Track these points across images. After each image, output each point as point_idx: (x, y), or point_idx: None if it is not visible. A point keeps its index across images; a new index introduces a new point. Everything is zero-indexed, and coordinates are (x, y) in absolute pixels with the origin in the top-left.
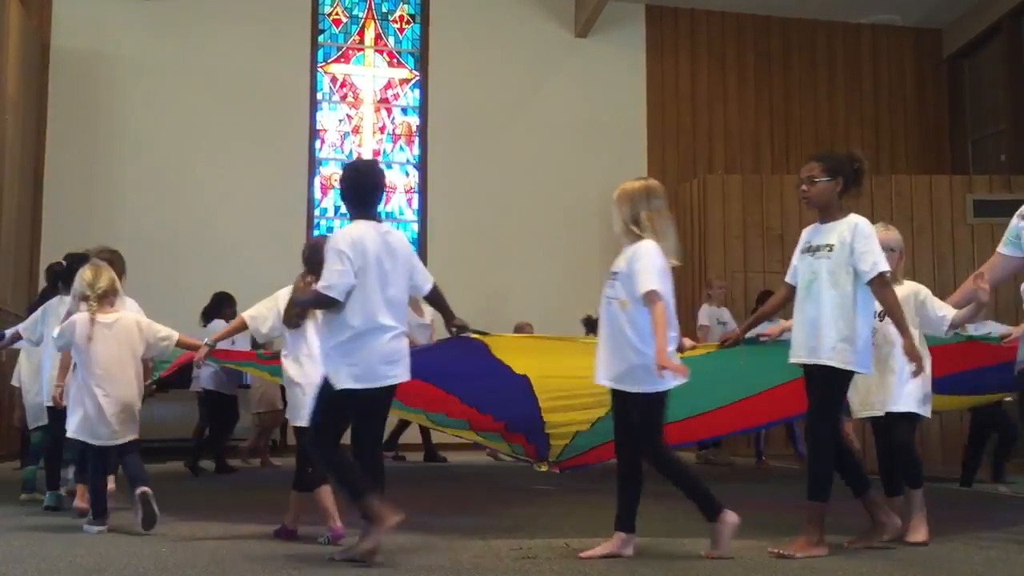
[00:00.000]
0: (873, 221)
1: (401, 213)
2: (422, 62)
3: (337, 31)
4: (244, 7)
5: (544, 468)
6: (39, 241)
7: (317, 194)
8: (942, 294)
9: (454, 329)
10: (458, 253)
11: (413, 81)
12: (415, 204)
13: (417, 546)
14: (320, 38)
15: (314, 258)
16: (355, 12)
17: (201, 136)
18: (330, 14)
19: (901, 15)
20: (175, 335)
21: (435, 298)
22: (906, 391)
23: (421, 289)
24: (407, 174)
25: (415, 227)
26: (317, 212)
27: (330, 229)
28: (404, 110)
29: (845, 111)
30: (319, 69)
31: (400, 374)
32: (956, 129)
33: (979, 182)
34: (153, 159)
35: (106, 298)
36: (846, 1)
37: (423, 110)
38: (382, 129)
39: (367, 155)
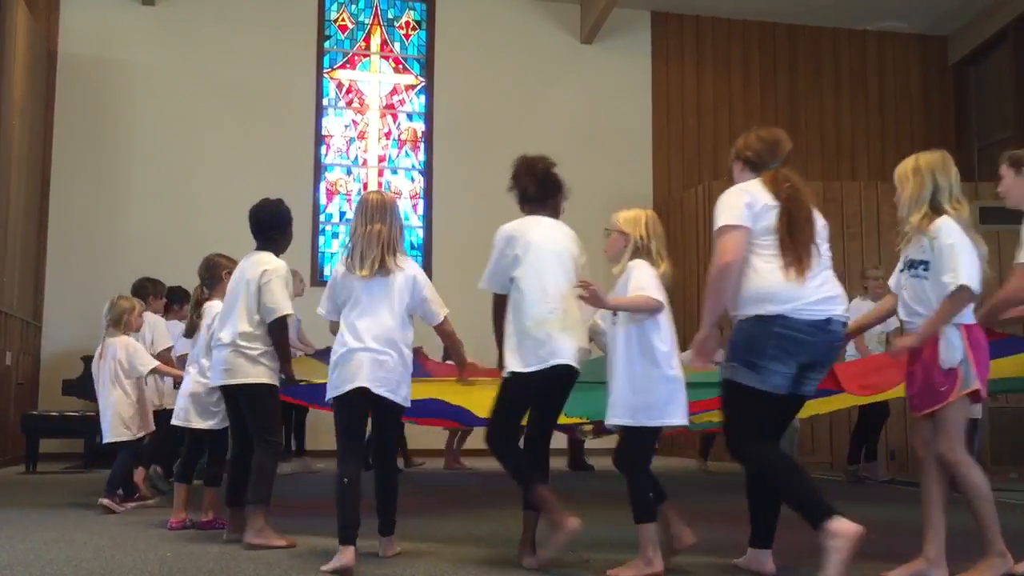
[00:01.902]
0: (880, 228)
1: (406, 218)
2: (428, 68)
3: (343, 37)
4: (250, 13)
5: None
6: (45, 246)
7: (322, 199)
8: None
9: None
10: (463, 258)
11: (419, 87)
12: (420, 210)
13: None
14: (326, 44)
15: (205, 274)
16: (361, 18)
17: (207, 141)
18: (336, 20)
19: (907, 22)
20: (149, 366)
21: None
22: None
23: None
24: (412, 180)
25: (420, 232)
26: (322, 217)
27: (335, 235)
28: (410, 116)
29: (851, 118)
30: (325, 75)
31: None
32: (962, 136)
33: (985, 189)
34: (159, 164)
35: (115, 324)
36: (852, 8)
37: (429, 116)
38: (387, 135)
39: (372, 160)
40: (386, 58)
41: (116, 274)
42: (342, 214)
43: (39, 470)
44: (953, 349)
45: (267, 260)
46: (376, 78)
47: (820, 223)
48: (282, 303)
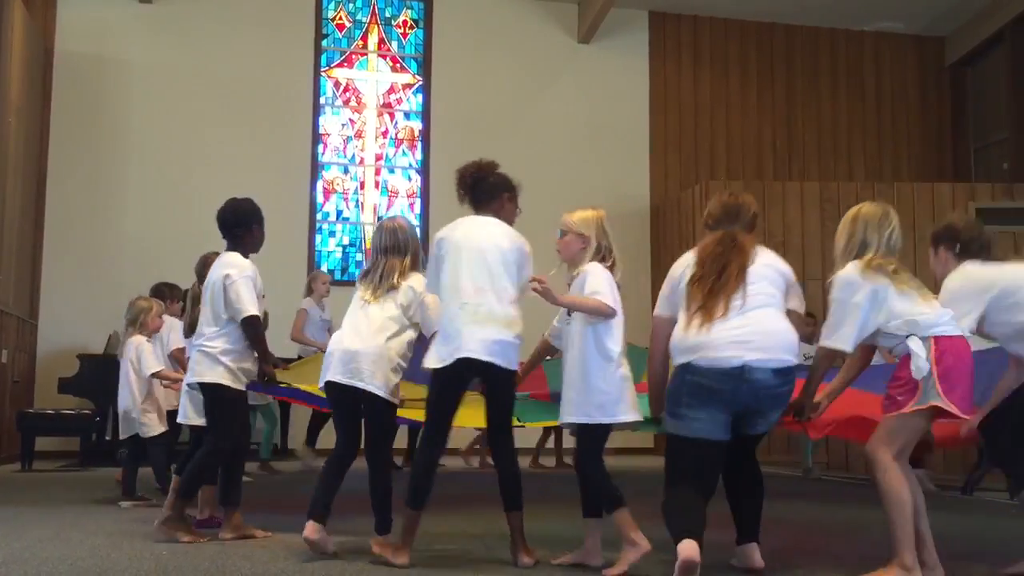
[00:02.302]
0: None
1: (403, 215)
2: (425, 67)
3: (340, 36)
4: (248, 11)
5: None
6: (42, 244)
7: (319, 198)
8: None
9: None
10: None
11: (416, 86)
12: (417, 209)
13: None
14: (323, 42)
15: (203, 272)
16: (358, 17)
17: (204, 140)
18: (333, 19)
19: (904, 23)
20: (151, 370)
21: None
22: None
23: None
24: (409, 179)
25: (418, 231)
26: (319, 216)
27: (332, 233)
28: (407, 115)
29: (848, 118)
30: (322, 73)
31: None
32: (959, 137)
33: (982, 190)
34: (156, 163)
35: (132, 324)
36: (849, 8)
37: (426, 115)
38: (384, 134)
39: (369, 159)
40: (383, 57)
41: (112, 272)
42: (339, 212)
43: (35, 468)
44: (918, 360)
45: (232, 261)
46: (373, 77)
47: (762, 268)
48: (247, 304)
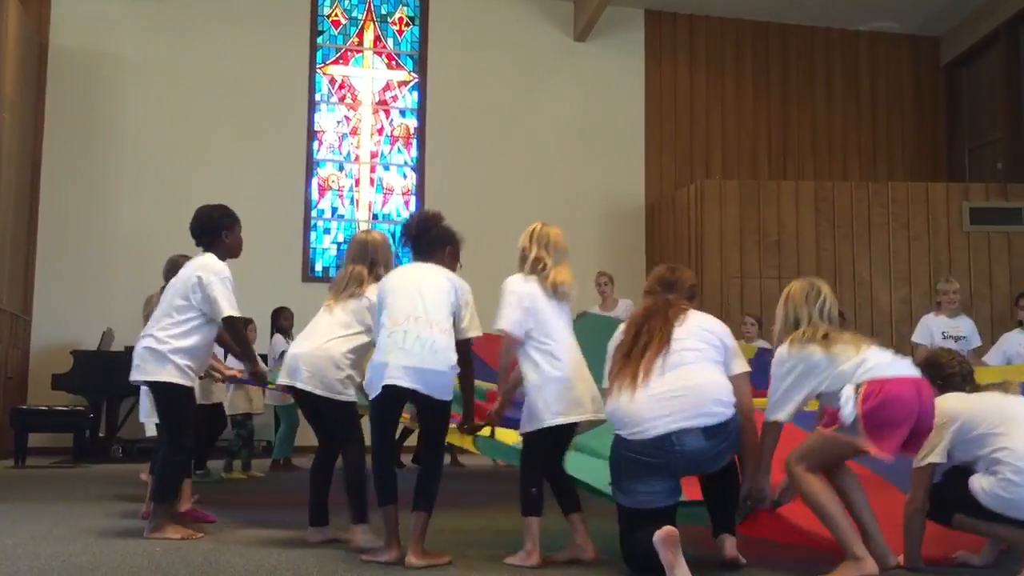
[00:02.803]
0: (871, 228)
1: (399, 215)
2: (421, 64)
3: (336, 32)
4: (243, 8)
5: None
6: (35, 239)
7: (314, 195)
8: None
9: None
10: None
11: (412, 83)
12: (412, 206)
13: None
14: (319, 39)
15: (171, 274)
16: (354, 14)
17: (199, 136)
18: (329, 15)
19: (899, 23)
20: None
21: None
22: None
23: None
24: (405, 176)
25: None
26: (314, 213)
27: (327, 231)
28: (402, 112)
29: (843, 118)
30: (318, 70)
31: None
32: (953, 137)
33: (975, 190)
34: (151, 159)
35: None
36: (845, 8)
37: (421, 112)
38: (380, 131)
39: (365, 156)
40: (379, 54)
41: (106, 269)
42: (334, 210)
43: (28, 464)
44: (845, 406)
45: (205, 263)
46: (369, 74)
47: (691, 328)
48: (224, 305)
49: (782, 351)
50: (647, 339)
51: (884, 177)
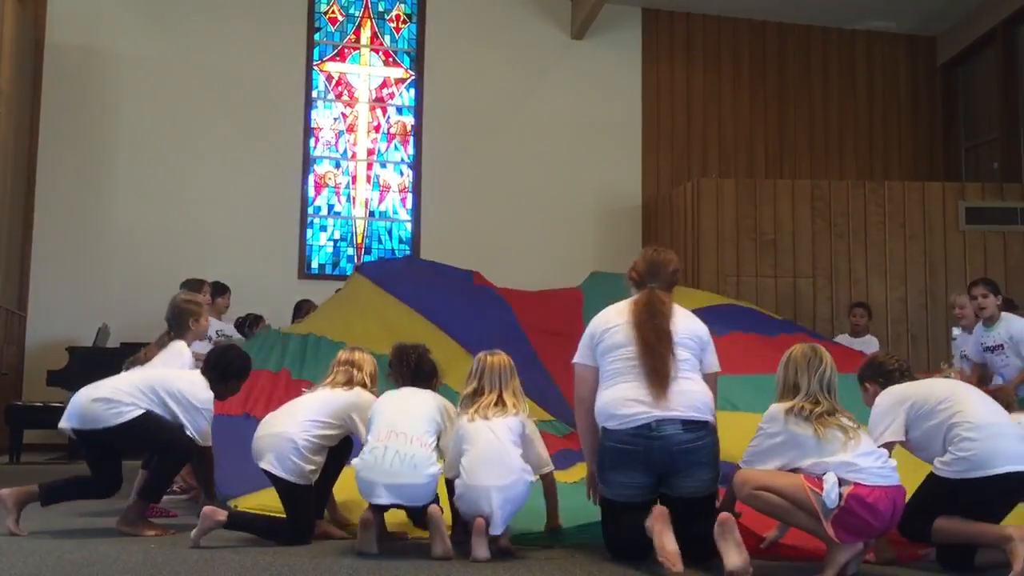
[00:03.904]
0: (867, 227)
1: (395, 212)
2: (418, 62)
3: (333, 29)
4: (240, 4)
5: None
6: (31, 235)
7: (311, 192)
8: (933, 300)
9: None
10: (451, 253)
11: (408, 80)
12: (409, 203)
13: None
14: (316, 36)
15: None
16: (351, 11)
17: (195, 133)
18: (326, 12)
19: (896, 22)
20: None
21: None
22: None
23: None
24: (401, 173)
25: (409, 226)
26: (311, 211)
27: (323, 228)
28: (399, 109)
29: (839, 117)
30: (314, 67)
31: None
32: (949, 136)
33: (971, 189)
34: (147, 155)
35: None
36: (841, 7)
37: (418, 110)
38: (377, 128)
39: (361, 153)
40: (376, 51)
41: (102, 265)
42: (330, 207)
43: (23, 461)
44: (829, 494)
45: (189, 388)
46: (366, 71)
47: (682, 332)
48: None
49: (777, 412)
50: (659, 338)
51: (880, 176)
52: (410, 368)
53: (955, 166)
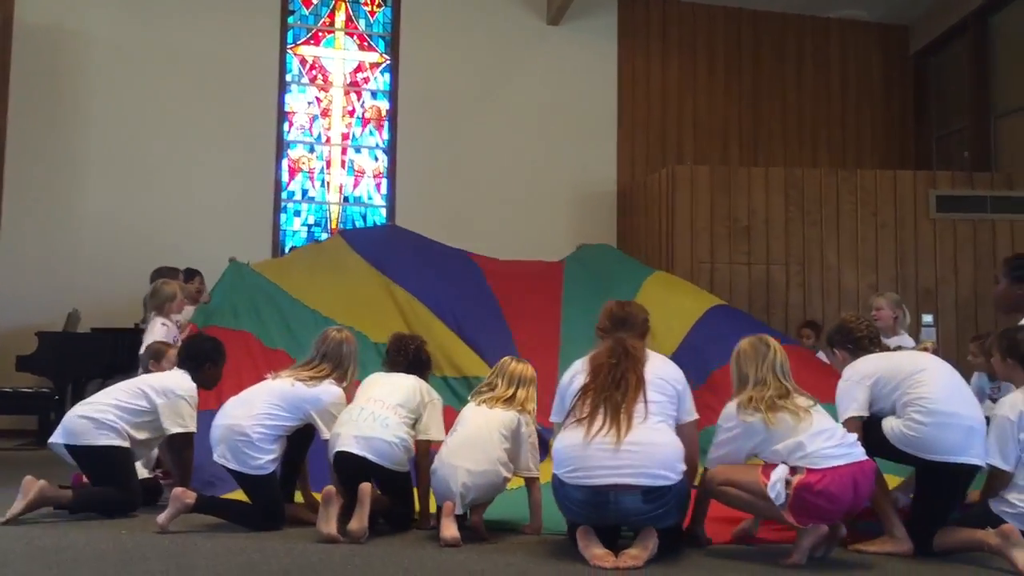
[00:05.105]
0: (839, 215)
1: (370, 198)
2: (393, 46)
3: (307, 12)
4: None
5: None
6: (0, 220)
7: (284, 177)
8: (904, 287)
9: None
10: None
11: (383, 65)
12: (384, 189)
13: None
14: (290, 19)
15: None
16: None
17: (167, 116)
18: None
19: (868, 11)
20: None
21: None
22: None
23: None
24: (376, 159)
25: (383, 212)
26: (284, 196)
27: (297, 213)
28: (374, 94)
29: (813, 105)
30: (288, 50)
31: None
32: (921, 125)
33: (942, 178)
34: (118, 137)
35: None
36: None
37: (393, 94)
38: (351, 113)
39: (336, 138)
40: (351, 35)
41: (73, 249)
42: (304, 192)
43: None
44: (775, 486)
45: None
46: (340, 55)
47: (654, 380)
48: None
49: (731, 409)
50: (618, 384)
51: (853, 164)
52: (407, 358)
53: (926, 155)
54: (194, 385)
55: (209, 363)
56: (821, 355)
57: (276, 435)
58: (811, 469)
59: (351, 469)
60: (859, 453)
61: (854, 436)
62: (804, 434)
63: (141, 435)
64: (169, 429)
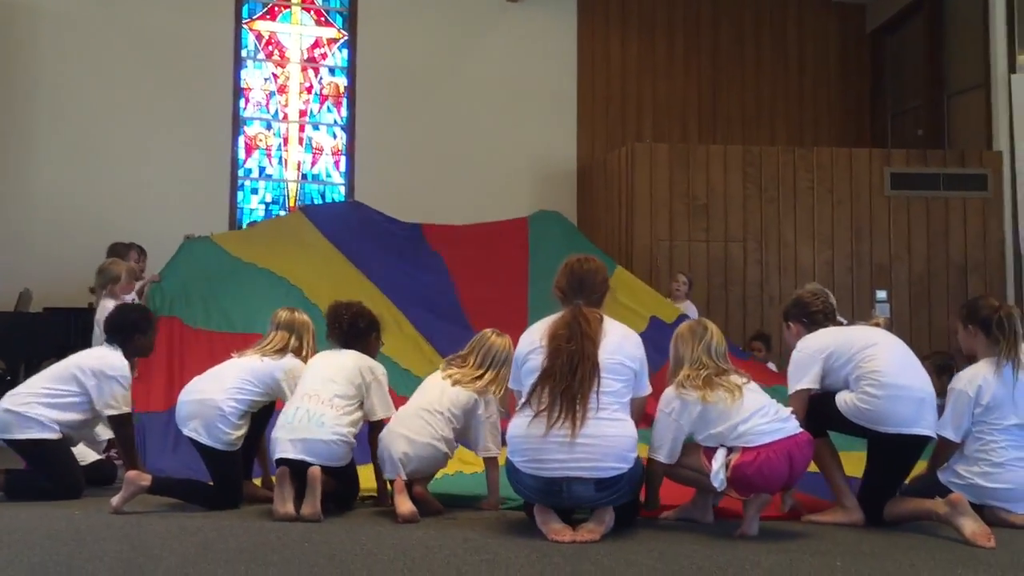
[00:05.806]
0: (796, 192)
1: (328, 176)
2: (351, 21)
3: None
4: None
5: None
6: None
7: (241, 154)
8: (859, 264)
9: None
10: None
11: (341, 41)
12: (342, 167)
13: None
14: None
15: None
16: None
17: (120, 91)
18: None
19: None
20: None
21: None
22: None
23: None
24: (334, 136)
25: (342, 189)
26: (241, 173)
27: (254, 190)
28: (332, 70)
29: (771, 83)
30: (244, 25)
31: None
32: (876, 103)
33: (897, 156)
34: (70, 114)
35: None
36: None
37: (351, 71)
38: (309, 89)
39: (293, 115)
40: (308, 10)
41: (23, 227)
42: (261, 169)
43: None
44: (715, 471)
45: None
46: (297, 30)
47: (613, 355)
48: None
49: (669, 393)
50: (575, 371)
51: (810, 142)
52: (342, 329)
53: (882, 133)
54: (126, 363)
55: (138, 333)
56: (771, 365)
57: (245, 410)
58: (746, 448)
59: (294, 468)
60: (792, 427)
61: (788, 411)
62: (738, 416)
63: (73, 418)
64: (103, 412)
